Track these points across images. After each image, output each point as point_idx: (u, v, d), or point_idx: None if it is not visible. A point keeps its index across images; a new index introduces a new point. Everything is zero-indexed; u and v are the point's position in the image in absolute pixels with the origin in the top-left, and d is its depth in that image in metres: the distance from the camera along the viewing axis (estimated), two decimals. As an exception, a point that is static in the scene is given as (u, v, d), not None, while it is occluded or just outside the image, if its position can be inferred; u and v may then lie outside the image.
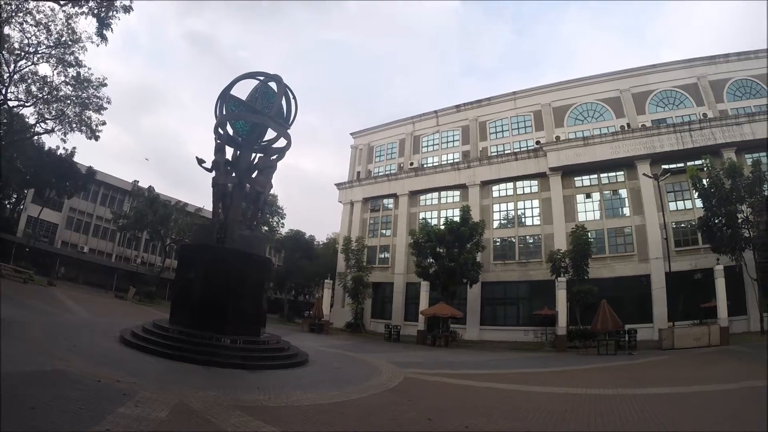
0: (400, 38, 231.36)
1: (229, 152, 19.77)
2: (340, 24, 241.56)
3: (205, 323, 15.69)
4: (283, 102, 20.00)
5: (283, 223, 70.80)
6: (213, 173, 18.80)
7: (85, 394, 8.17)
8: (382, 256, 53.15)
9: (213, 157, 19.04)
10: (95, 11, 27.17)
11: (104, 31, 26.67)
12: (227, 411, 8.64)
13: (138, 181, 59.27)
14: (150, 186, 56.95)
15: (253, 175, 19.27)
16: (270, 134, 20.17)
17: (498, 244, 45.85)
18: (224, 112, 19.54)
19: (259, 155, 19.76)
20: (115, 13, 26.73)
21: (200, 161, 19.15)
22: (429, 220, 49.25)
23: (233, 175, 19.13)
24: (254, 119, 19.52)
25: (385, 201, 55.18)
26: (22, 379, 8.38)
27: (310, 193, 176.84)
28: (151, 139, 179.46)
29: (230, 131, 20.03)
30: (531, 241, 44.34)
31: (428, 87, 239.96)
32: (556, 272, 35.81)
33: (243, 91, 20.97)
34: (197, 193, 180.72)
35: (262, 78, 20.48)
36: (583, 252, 35.27)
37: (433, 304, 37.10)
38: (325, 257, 63.31)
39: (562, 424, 9.97)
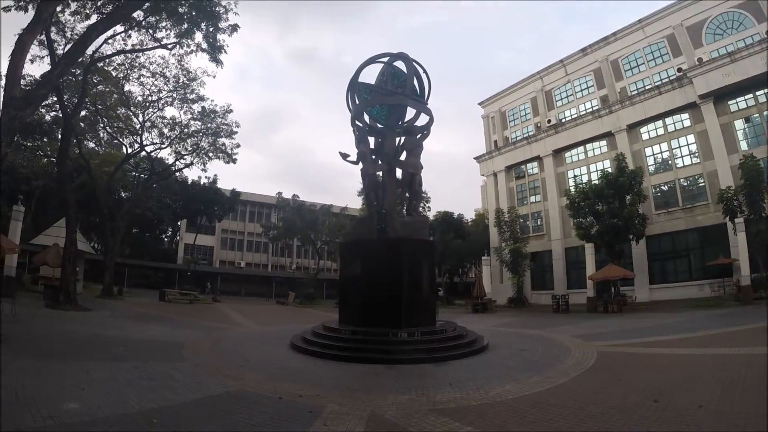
0: (489, 4, 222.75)
1: (372, 142, 18.85)
2: (426, 6, 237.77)
3: (378, 319, 14.78)
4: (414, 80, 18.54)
5: (429, 207, 70.21)
6: (360, 165, 17.97)
7: (268, 417, 7.38)
8: (535, 223, 50.41)
9: (356, 150, 18.18)
10: (203, 46, 27.17)
11: (218, 56, 26.47)
12: (427, 417, 7.52)
13: (281, 193, 60.71)
14: (294, 194, 58.28)
15: (402, 158, 18.01)
16: (409, 114, 18.81)
17: (657, 191, 41.15)
18: (357, 102, 18.53)
19: (403, 137, 18.44)
20: (223, 39, 26.53)
21: (344, 156, 18.33)
22: (579, 177, 45.63)
23: (380, 162, 18.15)
24: (390, 101, 18.39)
25: (529, 165, 52.11)
26: (197, 409, 7.74)
27: (441, 174, 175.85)
28: (282, 154, 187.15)
29: (368, 119, 19.13)
30: (692, 182, 39.33)
31: (532, 43, 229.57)
32: (729, 213, 31.03)
33: (370, 78, 20.00)
34: (334, 195, 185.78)
35: (386, 60, 19.26)
36: (758, 185, 29.94)
37: (600, 267, 34.22)
38: (475, 234, 61.26)
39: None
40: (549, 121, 50.20)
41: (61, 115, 28.45)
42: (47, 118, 33.65)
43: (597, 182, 36.97)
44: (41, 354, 11.36)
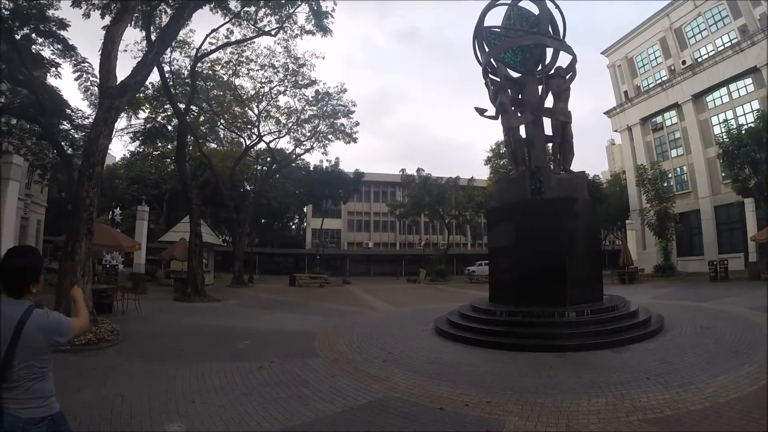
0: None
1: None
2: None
3: (538, 296, 12.35)
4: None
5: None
6: (500, 120, 15.54)
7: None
8: (678, 180, 45.11)
9: (491, 104, 15.85)
10: (306, 28, 26.24)
11: (324, 23, 24.98)
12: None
13: (405, 169, 59.07)
14: (419, 168, 56.37)
15: (549, 105, 15.39)
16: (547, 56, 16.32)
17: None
18: (486, 50, 16.15)
19: (546, 83, 15.73)
20: (328, 12, 25.15)
21: (481, 111, 16.03)
22: (724, 125, 38.32)
23: (521, 114, 15.47)
24: (525, 41, 15.79)
25: (666, 115, 46.40)
26: (335, 427, 5.97)
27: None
28: (397, 135, 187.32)
29: (497, 68, 16.23)
30: None
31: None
32: None
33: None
34: (454, 169, 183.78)
35: (509, 0, 16.83)
36: None
37: (763, 227, 29.22)
38: (611, 197, 56.81)
39: None
40: (683, 62, 44.00)
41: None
42: (169, 127, 34.19)
43: (749, 126, 31.78)
44: (155, 354, 10.15)
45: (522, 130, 15.43)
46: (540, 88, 15.71)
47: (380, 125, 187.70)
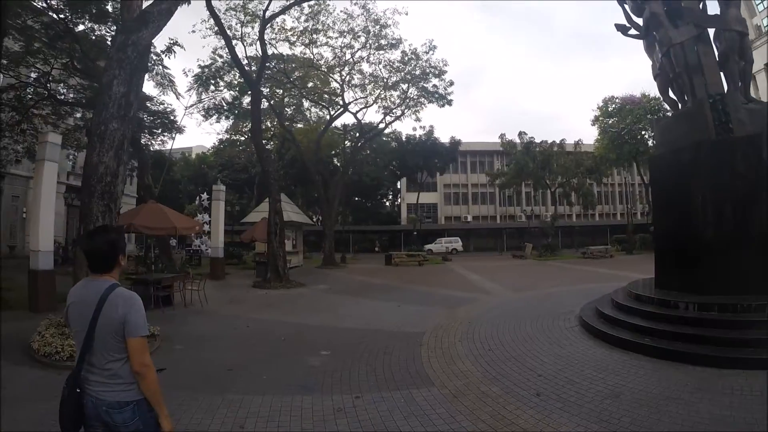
0: None
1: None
2: None
3: (733, 280, 8.55)
4: None
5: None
6: (650, 38, 12.05)
7: None
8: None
9: (629, 23, 12.65)
10: None
11: None
12: None
13: (504, 134, 54.28)
14: (521, 131, 51.26)
15: (716, 13, 11.37)
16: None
17: None
18: None
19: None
20: None
21: (624, 29, 12.72)
22: None
23: (682, 28, 11.25)
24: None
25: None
26: None
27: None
28: (487, 107, 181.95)
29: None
30: None
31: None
32: None
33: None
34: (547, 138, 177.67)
35: None
36: None
37: None
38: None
39: None
40: None
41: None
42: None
43: None
44: (190, 376, 7.07)
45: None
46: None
47: (468, 99, 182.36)
